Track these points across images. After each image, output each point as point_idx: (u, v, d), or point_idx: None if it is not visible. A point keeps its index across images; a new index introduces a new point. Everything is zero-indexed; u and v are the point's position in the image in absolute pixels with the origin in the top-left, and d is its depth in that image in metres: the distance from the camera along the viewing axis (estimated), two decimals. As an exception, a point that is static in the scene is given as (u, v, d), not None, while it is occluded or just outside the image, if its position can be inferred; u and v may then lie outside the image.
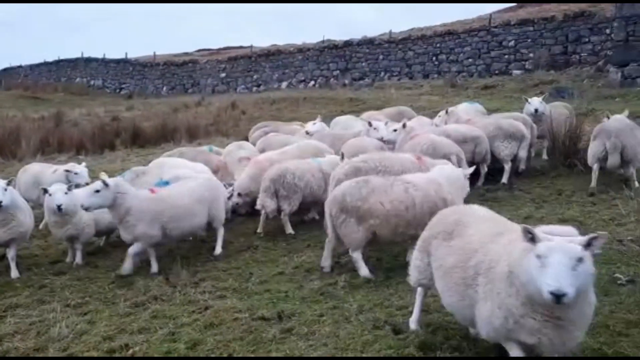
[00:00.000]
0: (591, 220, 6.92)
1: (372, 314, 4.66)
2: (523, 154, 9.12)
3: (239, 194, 8.11)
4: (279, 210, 7.38)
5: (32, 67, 44.80)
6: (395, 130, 8.71)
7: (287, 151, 8.71)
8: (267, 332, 4.47)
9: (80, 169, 8.29)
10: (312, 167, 7.61)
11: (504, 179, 8.84)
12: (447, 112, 10.40)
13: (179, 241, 7.18)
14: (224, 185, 7.99)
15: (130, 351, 4.31)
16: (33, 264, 6.82)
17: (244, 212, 8.37)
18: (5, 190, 6.10)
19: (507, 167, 8.92)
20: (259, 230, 7.57)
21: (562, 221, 6.92)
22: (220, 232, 6.85)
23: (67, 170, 8.16)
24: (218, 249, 6.74)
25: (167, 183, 7.32)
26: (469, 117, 9.88)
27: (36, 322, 4.97)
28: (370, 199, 5.43)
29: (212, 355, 4.19)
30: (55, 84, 38.39)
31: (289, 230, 7.39)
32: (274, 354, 4.12)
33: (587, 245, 3.04)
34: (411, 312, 4.57)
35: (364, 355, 4.00)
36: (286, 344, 4.25)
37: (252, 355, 4.14)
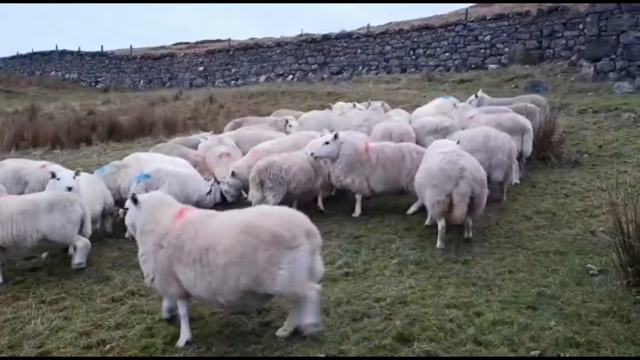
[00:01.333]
0: (564, 212, 7.06)
1: (350, 306, 4.70)
2: (527, 148, 8.58)
3: (233, 174, 8.41)
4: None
5: (4, 60, 43.71)
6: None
7: (283, 141, 8.87)
8: (246, 326, 4.49)
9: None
10: (301, 159, 7.65)
11: (515, 179, 8.29)
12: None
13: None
14: (205, 179, 8.01)
15: (107, 347, 4.28)
16: (6, 260, 6.69)
17: (230, 199, 8.45)
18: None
19: (514, 165, 8.14)
20: None
21: (537, 213, 7.08)
22: None
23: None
24: None
25: (148, 176, 7.28)
26: (472, 114, 9.39)
27: (10, 319, 4.89)
28: None
29: (190, 351, 4.18)
30: (30, 78, 37.56)
31: None
32: (252, 348, 4.13)
33: None
34: (389, 304, 4.63)
35: (342, 347, 4.03)
36: (265, 338, 4.26)
37: (231, 350, 4.15)
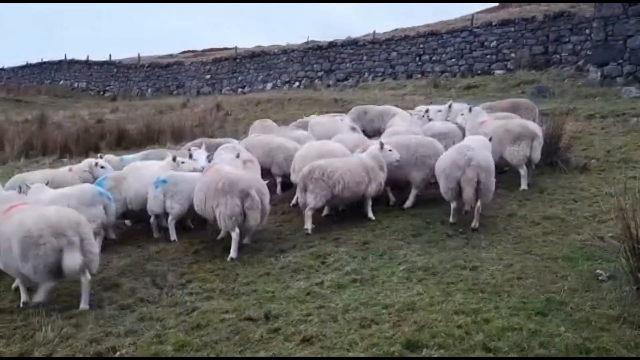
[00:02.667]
0: (573, 217, 7.04)
1: (358, 312, 4.71)
2: (536, 155, 8.51)
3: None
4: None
5: (14, 70, 44.13)
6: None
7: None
8: (254, 333, 4.50)
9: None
10: (352, 163, 7.70)
11: (523, 186, 8.40)
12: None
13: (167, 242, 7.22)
14: None
15: (117, 354, 4.31)
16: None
17: None
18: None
19: (523, 171, 8.45)
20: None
21: (545, 218, 7.05)
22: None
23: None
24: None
25: (165, 182, 7.44)
26: (483, 120, 9.38)
27: (21, 327, 4.93)
28: None
29: (199, 357, 4.20)
30: (39, 87, 37.90)
31: (307, 225, 7.33)
32: (261, 354, 4.15)
33: None
34: (397, 311, 4.63)
35: (350, 354, 4.03)
36: (273, 344, 4.28)
37: (239, 356, 4.16)
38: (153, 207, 7.51)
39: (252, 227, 6.73)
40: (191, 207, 7.30)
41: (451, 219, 7.14)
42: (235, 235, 6.54)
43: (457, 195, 7.00)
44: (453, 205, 7.14)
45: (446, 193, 7.15)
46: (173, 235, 7.46)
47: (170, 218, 7.49)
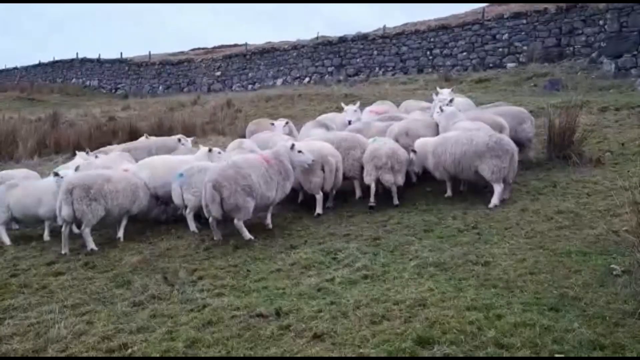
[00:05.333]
0: (587, 211, 6.96)
1: (369, 309, 4.68)
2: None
3: None
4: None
5: (27, 69, 44.55)
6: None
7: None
8: (265, 329, 4.49)
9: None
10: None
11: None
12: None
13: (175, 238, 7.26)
14: None
15: (129, 351, 4.33)
16: (31, 265, 6.82)
17: None
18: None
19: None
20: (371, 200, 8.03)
21: (559, 213, 6.98)
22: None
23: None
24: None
25: (181, 175, 7.68)
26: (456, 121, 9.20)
27: (35, 324, 4.97)
28: None
29: (210, 354, 4.21)
30: (51, 85, 38.19)
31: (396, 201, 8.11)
32: (272, 351, 4.14)
33: None
34: (409, 307, 4.60)
35: (361, 350, 4.02)
36: (284, 341, 4.27)
37: (251, 353, 4.16)
38: (174, 199, 7.87)
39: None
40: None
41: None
42: (319, 197, 7.95)
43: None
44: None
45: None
46: (192, 227, 7.64)
47: (187, 210, 7.71)
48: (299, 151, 7.55)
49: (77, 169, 8.41)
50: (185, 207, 7.77)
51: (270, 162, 7.31)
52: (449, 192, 8.28)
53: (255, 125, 12.35)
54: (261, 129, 11.53)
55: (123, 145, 11.45)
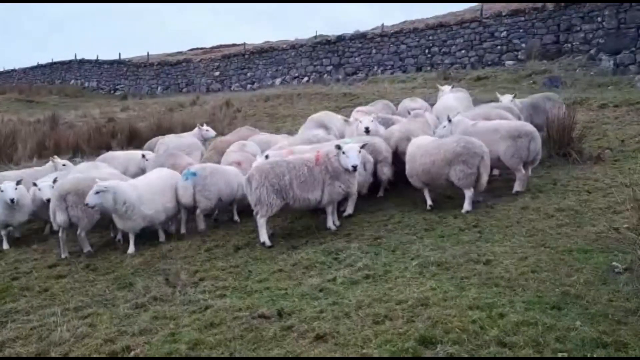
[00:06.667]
0: (587, 209, 6.95)
1: (372, 309, 4.69)
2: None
3: None
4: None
5: (25, 71, 44.48)
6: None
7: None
8: (268, 330, 4.49)
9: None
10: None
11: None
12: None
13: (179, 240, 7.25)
14: None
15: (132, 353, 4.33)
16: (32, 268, 6.82)
17: None
18: None
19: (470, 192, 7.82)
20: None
21: (559, 210, 6.98)
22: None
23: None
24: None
25: (194, 174, 7.70)
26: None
27: (37, 327, 4.98)
28: None
29: (213, 355, 4.20)
30: (50, 87, 38.15)
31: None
32: (275, 352, 4.14)
33: None
34: (411, 307, 4.60)
35: (364, 350, 4.02)
36: (286, 342, 4.27)
37: (253, 354, 4.16)
38: (182, 198, 7.79)
39: None
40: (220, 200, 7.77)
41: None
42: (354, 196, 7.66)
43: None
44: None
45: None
46: (201, 225, 7.78)
47: (198, 211, 7.80)
48: (343, 152, 7.16)
49: (55, 180, 7.99)
50: (195, 207, 7.78)
51: (319, 161, 7.19)
52: (429, 202, 7.87)
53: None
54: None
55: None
